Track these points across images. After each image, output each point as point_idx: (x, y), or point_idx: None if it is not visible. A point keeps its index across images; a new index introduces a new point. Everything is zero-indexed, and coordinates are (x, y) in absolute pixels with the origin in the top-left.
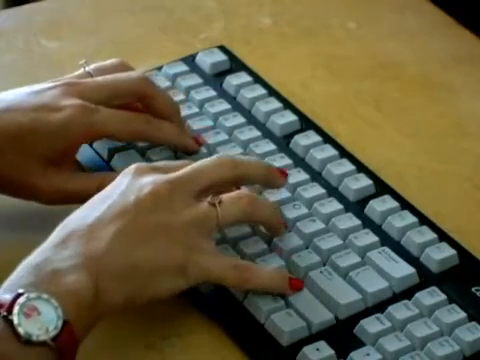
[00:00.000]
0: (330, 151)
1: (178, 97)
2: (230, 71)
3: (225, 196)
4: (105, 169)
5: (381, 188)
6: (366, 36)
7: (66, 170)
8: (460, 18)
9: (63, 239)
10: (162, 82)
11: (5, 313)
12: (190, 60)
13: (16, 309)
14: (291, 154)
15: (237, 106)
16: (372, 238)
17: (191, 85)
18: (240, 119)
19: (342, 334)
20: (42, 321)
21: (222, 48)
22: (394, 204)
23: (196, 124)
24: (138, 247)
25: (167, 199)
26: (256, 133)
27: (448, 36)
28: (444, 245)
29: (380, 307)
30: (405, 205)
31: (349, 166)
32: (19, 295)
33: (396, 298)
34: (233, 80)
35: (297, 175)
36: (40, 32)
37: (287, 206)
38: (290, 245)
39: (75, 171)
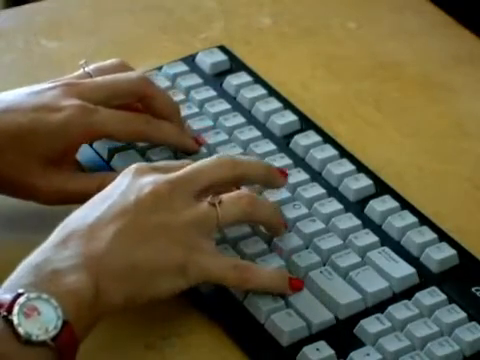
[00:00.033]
0: (330, 151)
1: (178, 97)
2: (230, 71)
3: (225, 196)
4: (105, 169)
5: (381, 188)
6: (366, 36)
7: (66, 170)
8: (460, 18)
9: (63, 239)
10: (162, 82)
11: (5, 313)
12: (190, 60)
13: (16, 309)
14: (291, 154)
15: (237, 106)
16: (372, 238)
17: (191, 85)
18: (240, 119)
19: (342, 334)
20: (42, 321)
21: (222, 48)
22: (394, 204)
23: (196, 124)
24: (138, 247)
25: (167, 199)
26: (256, 133)
27: (448, 36)
28: (444, 245)
29: (380, 307)
30: (405, 205)
31: (349, 166)
32: (19, 295)
33: (396, 298)
34: (233, 80)
35: (297, 175)
36: (40, 32)
37: (287, 206)
38: (290, 245)
39: (75, 171)
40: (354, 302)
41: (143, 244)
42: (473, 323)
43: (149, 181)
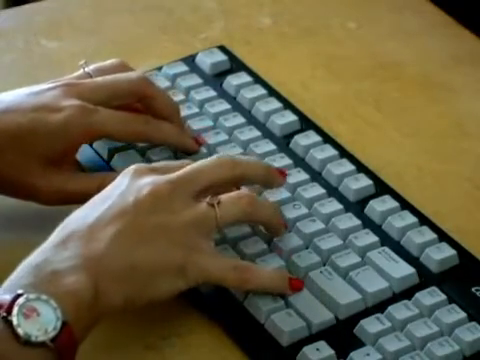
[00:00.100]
0: (330, 151)
1: (178, 97)
2: (230, 71)
3: (224, 196)
4: (105, 169)
5: (381, 188)
6: (366, 36)
7: (66, 170)
8: (460, 18)
9: (63, 240)
10: (162, 82)
11: (4, 314)
12: (190, 60)
13: (15, 310)
14: (291, 154)
15: (237, 106)
16: (372, 238)
17: (191, 85)
18: (240, 119)
19: (342, 334)
20: (41, 322)
21: (222, 48)
22: (394, 204)
23: (196, 124)
24: (137, 248)
25: (166, 200)
26: (256, 133)
27: (448, 36)
28: (444, 245)
29: (380, 307)
30: (405, 205)
31: (349, 166)
32: (18, 296)
33: (396, 298)
34: (233, 80)
35: (297, 175)
36: (40, 32)
37: (287, 206)
38: (290, 245)
39: (75, 171)
40: (354, 302)
41: (142, 245)
42: (473, 323)
43: (148, 182)
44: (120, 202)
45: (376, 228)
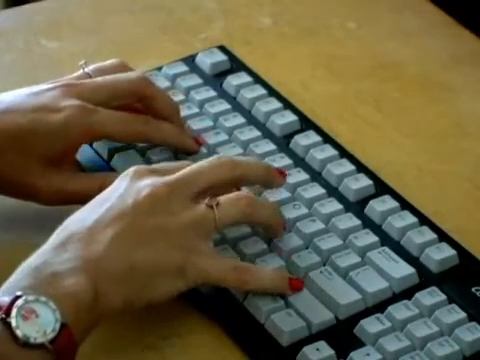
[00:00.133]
0: (330, 151)
1: (178, 97)
2: (230, 71)
3: (223, 198)
4: (105, 169)
5: (381, 188)
6: (366, 36)
7: (66, 170)
8: (460, 18)
9: (62, 242)
10: (162, 82)
11: (3, 315)
12: (190, 60)
13: (14, 312)
14: (291, 154)
15: (237, 106)
16: (372, 238)
17: (191, 85)
18: (240, 119)
19: (342, 334)
20: (40, 324)
21: (222, 48)
22: (394, 204)
23: (196, 124)
24: (137, 250)
25: (165, 201)
26: (256, 133)
27: (448, 36)
28: (444, 245)
29: (380, 307)
30: (405, 205)
31: (349, 166)
32: (17, 297)
33: (396, 298)
34: (233, 80)
35: (297, 175)
36: (40, 32)
37: (287, 206)
38: (290, 245)
39: (75, 171)
40: (354, 302)
41: (141, 247)
42: (473, 323)
43: (147, 184)
44: (119, 204)
45: (376, 228)
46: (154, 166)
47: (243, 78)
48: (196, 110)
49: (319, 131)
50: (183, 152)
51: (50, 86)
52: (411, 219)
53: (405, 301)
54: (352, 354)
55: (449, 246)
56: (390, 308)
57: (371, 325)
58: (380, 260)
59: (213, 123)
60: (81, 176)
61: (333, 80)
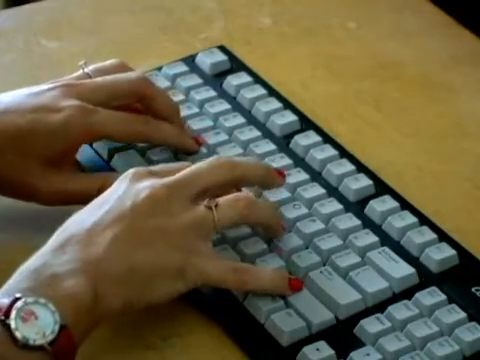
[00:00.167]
0: (330, 151)
1: (178, 97)
2: (230, 71)
3: (222, 199)
4: (105, 169)
5: (381, 188)
6: (366, 36)
7: (66, 171)
8: (460, 18)
9: (62, 244)
10: (162, 82)
11: (3, 317)
12: (190, 60)
13: (13, 313)
14: (291, 154)
15: (237, 106)
16: (372, 238)
17: (191, 85)
18: (240, 119)
19: (342, 334)
20: (39, 325)
21: (222, 48)
22: (394, 204)
23: (196, 124)
24: (136, 251)
25: (164, 203)
26: (256, 133)
27: (448, 36)
28: (444, 245)
29: (380, 307)
30: (405, 205)
31: (349, 166)
32: (16, 299)
33: (396, 298)
34: (233, 80)
35: (297, 175)
36: (40, 32)
37: (287, 206)
38: (290, 245)
39: (75, 171)
40: (354, 302)
41: (141, 248)
42: (473, 323)
43: (146, 186)
44: (118, 206)
45: (376, 228)
46: (153, 168)
47: (243, 78)
48: (196, 110)
49: (319, 131)
50: (183, 152)
51: (50, 86)
52: (411, 219)
53: (405, 301)
54: (352, 354)
55: (449, 246)
56: (390, 308)
57: (371, 325)
58: (380, 260)
59: (213, 123)
60: (81, 176)
61: (333, 80)
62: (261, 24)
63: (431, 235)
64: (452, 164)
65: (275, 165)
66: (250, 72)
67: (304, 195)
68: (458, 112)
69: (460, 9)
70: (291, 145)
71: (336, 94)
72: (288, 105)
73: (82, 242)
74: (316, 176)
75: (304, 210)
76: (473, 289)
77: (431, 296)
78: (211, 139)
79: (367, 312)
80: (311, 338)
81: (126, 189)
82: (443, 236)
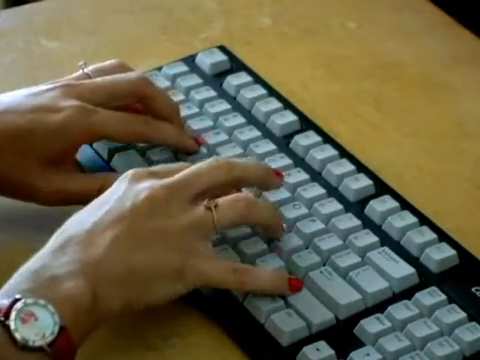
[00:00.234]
0: (330, 151)
1: (178, 97)
2: (230, 71)
3: (221, 199)
4: (105, 169)
5: (381, 188)
6: (366, 36)
7: (66, 171)
8: (460, 18)
9: (61, 245)
10: (162, 82)
11: (2, 318)
12: (190, 60)
13: (13, 315)
14: (291, 154)
15: (237, 106)
16: (372, 238)
17: (191, 85)
18: (240, 119)
19: (342, 334)
20: (39, 327)
21: (222, 48)
22: (394, 204)
23: (196, 124)
24: (135, 253)
25: (164, 204)
26: (256, 133)
27: (448, 36)
28: (444, 245)
29: (380, 307)
30: (405, 205)
31: (349, 166)
32: (16, 300)
33: (396, 298)
34: (233, 80)
35: (297, 175)
36: (40, 32)
37: (287, 206)
38: (290, 245)
39: (75, 172)
40: (354, 302)
41: (140, 249)
42: (473, 323)
43: (145, 187)
44: (118, 207)
45: (376, 228)
46: (152, 168)
47: (243, 78)
48: (196, 110)
49: (319, 131)
50: (183, 152)
51: (49, 87)
52: (411, 219)
53: (405, 301)
54: (352, 354)
55: (449, 246)
56: (390, 308)
57: (371, 325)
58: (380, 260)
59: (213, 123)
60: (81, 176)
61: (333, 80)
62: (261, 24)
63: (431, 235)
64: (452, 164)
65: (275, 165)
66: (250, 72)
67: (304, 195)
68: (458, 112)
69: (460, 9)
70: (291, 145)
71: (336, 94)
72: (288, 105)
73: (82, 243)
74: (316, 176)
75: (304, 210)
76: (473, 289)
77: (431, 296)
78: (211, 139)
79: (367, 312)
80: (311, 338)
81: (126, 190)
82: (443, 236)
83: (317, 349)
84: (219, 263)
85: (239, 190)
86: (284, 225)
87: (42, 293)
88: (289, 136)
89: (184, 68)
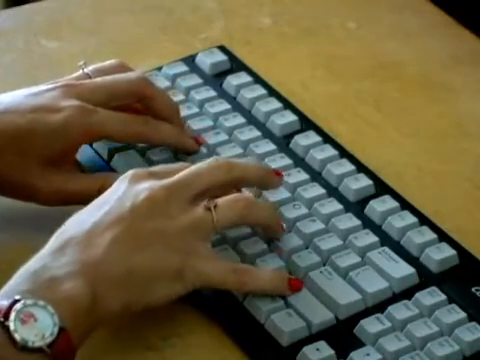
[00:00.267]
0: (330, 151)
1: (178, 97)
2: (230, 71)
3: (221, 200)
4: (105, 169)
5: (381, 188)
6: (366, 36)
7: (66, 171)
8: (460, 18)
9: (61, 246)
10: (162, 82)
11: (2, 319)
12: (190, 60)
13: (12, 315)
14: (291, 154)
15: (237, 106)
16: (372, 238)
17: (191, 85)
18: (240, 119)
19: (342, 334)
20: (38, 328)
21: (222, 48)
22: (394, 204)
23: (196, 124)
24: (135, 253)
25: (163, 205)
26: (256, 133)
27: (448, 36)
28: (444, 245)
29: (380, 307)
30: (405, 205)
31: (349, 166)
32: (16, 301)
33: (396, 298)
34: (233, 80)
35: (297, 175)
36: (40, 32)
37: (287, 206)
38: (290, 245)
39: (75, 172)
40: (354, 302)
41: (140, 250)
42: (473, 323)
43: (145, 187)
44: (117, 208)
45: (376, 228)
46: (152, 169)
47: (243, 78)
48: (196, 110)
49: (319, 131)
50: (183, 152)
51: (49, 87)
52: (411, 219)
53: (405, 301)
54: (352, 354)
55: (449, 246)
56: (390, 308)
57: (371, 325)
58: (380, 260)
59: (213, 123)
60: (81, 176)
61: (333, 80)
62: (261, 24)
63: (431, 235)
64: (452, 164)
65: (275, 165)
66: (250, 72)
67: (304, 195)
68: (458, 112)
69: (460, 9)
70: (291, 145)
71: (336, 94)
72: (288, 105)
73: (81, 244)
74: (316, 176)
75: (304, 210)
76: (473, 289)
77: (431, 296)
78: (211, 139)
79: (367, 312)
80: (311, 338)
81: (125, 190)
82: (443, 236)
83: (317, 349)
84: (219, 263)
85: (239, 190)
86: (284, 225)
87: (42, 294)
88: (289, 136)
89: (184, 68)
